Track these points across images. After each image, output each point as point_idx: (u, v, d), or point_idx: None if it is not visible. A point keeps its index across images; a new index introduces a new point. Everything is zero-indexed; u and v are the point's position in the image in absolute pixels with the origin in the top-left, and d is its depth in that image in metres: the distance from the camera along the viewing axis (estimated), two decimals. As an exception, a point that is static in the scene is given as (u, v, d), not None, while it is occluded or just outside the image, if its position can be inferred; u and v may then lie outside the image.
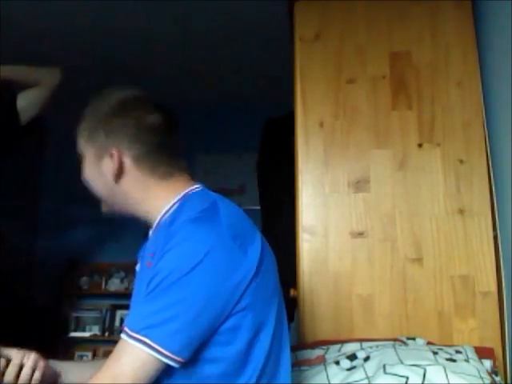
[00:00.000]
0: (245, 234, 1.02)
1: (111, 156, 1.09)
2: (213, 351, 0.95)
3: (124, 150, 1.09)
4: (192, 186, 1.12)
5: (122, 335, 0.92)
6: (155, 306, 0.92)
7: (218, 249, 0.95)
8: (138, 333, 0.90)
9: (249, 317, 0.98)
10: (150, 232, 1.14)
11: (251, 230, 1.05)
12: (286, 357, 1.09)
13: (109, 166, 1.10)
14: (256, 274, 0.99)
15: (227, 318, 0.96)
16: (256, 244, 1.02)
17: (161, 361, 0.90)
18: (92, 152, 1.13)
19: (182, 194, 1.10)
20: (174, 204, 1.08)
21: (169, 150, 1.13)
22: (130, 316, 0.96)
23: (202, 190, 1.12)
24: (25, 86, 2.03)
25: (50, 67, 2.09)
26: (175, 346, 0.90)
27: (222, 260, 0.95)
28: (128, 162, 1.10)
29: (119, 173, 1.09)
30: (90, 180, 1.15)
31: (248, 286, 0.97)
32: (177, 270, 0.93)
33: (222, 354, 0.96)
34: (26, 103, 2.03)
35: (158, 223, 1.09)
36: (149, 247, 1.09)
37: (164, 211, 1.09)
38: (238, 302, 0.97)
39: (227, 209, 1.05)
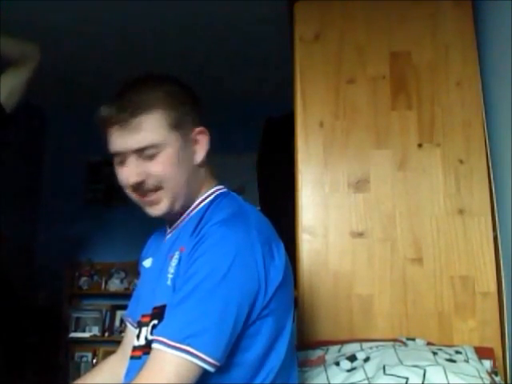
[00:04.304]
0: (271, 240, 1.02)
1: (200, 135, 1.08)
2: (233, 356, 0.95)
3: (199, 126, 1.08)
4: (216, 185, 1.13)
5: (160, 346, 0.89)
6: (194, 313, 0.91)
7: (248, 254, 0.96)
8: (180, 342, 0.88)
9: (270, 322, 0.99)
10: (169, 229, 1.13)
11: (275, 237, 1.05)
12: (295, 358, 1.11)
13: (193, 148, 1.07)
14: (282, 281, 1.00)
15: (252, 322, 0.97)
16: (280, 250, 1.03)
17: (202, 367, 0.89)
18: (179, 139, 1.04)
19: (209, 192, 1.10)
20: (204, 199, 1.08)
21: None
22: (166, 325, 0.93)
23: (227, 191, 1.12)
24: (3, 61, 1.88)
25: (29, 42, 1.96)
26: (218, 353, 0.90)
27: (252, 265, 0.95)
28: (202, 137, 1.09)
29: (206, 153, 1.08)
30: (169, 174, 1.03)
31: (274, 292, 0.98)
32: (212, 275, 0.92)
33: (241, 359, 0.97)
34: (7, 91, 1.90)
35: (184, 219, 1.09)
36: (174, 242, 1.08)
37: (195, 204, 1.08)
38: (265, 307, 0.97)
39: (255, 215, 1.05)
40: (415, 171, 1.62)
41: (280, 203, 2.16)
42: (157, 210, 1.06)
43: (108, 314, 4.12)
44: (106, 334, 4.06)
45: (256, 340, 0.97)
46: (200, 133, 1.08)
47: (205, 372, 0.90)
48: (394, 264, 1.57)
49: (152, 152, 1.02)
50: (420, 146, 1.64)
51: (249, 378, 0.98)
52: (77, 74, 3.66)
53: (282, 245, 1.05)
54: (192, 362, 0.88)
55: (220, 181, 1.15)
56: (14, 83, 1.92)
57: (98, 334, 4.07)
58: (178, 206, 1.07)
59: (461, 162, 1.61)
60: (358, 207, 1.62)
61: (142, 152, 1.02)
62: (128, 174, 1.03)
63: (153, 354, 0.91)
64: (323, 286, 1.58)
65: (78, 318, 4.13)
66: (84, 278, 4.19)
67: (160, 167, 1.02)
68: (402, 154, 1.64)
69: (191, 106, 1.08)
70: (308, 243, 1.61)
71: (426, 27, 1.72)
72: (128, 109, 1.01)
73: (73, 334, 4.06)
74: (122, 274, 4.16)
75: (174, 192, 1.05)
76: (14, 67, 1.93)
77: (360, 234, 1.60)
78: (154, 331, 0.96)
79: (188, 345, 0.88)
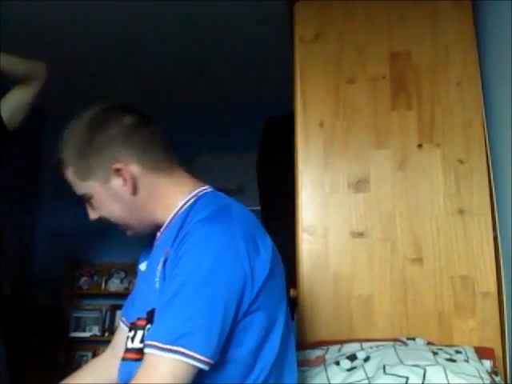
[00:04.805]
0: (256, 234, 1.03)
1: (118, 172, 1.07)
2: (226, 353, 0.95)
3: (124, 159, 1.08)
4: (201, 186, 1.13)
5: (152, 350, 0.89)
6: (182, 313, 0.91)
7: (231, 249, 0.96)
8: (172, 344, 0.88)
9: (261, 316, 0.99)
10: (158, 233, 1.13)
11: (261, 231, 1.06)
12: (292, 357, 1.10)
13: (120, 182, 1.08)
14: (269, 275, 1.00)
15: (242, 317, 0.97)
16: (267, 244, 1.03)
17: (197, 366, 0.89)
18: (97, 184, 1.09)
19: (192, 194, 1.10)
20: (185, 203, 1.08)
21: (159, 145, 1.12)
22: (156, 328, 0.94)
23: (212, 191, 1.12)
24: (8, 79, 1.85)
25: (35, 61, 1.92)
26: (211, 351, 0.90)
27: (236, 260, 0.95)
28: (133, 168, 1.08)
29: (133, 182, 1.08)
30: (108, 213, 1.12)
31: (262, 285, 0.98)
32: (196, 274, 0.93)
33: (234, 355, 0.97)
34: (11, 110, 1.88)
35: (169, 222, 1.09)
36: (161, 246, 1.08)
37: (175, 210, 1.09)
38: (254, 301, 0.97)
39: (238, 211, 1.05)
40: (415, 171, 1.63)
41: (280, 203, 2.16)
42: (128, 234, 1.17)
43: (108, 313, 4.13)
44: (106, 334, 4.06)
45: (248, 335, 0.97)
46: (118, 169, 1.08)
47: (199, 370, 0.90)
48: (394, 264, 1.57)
49: (87, 198, 1.12)
50: (420, 146, 1.64)
51: (244, 373, 0.98)
52: (77, 74, 3.67)
53: (268, 239, 1.05)
54: (186, 363, 0.88)
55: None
56: (19, 102, 1.90)
57: (98, 333, 4.08)
58: (142, 230, 1.14)
59: (461, 162, 1.61)
60: (358, 207, 1.62)
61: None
62: (88, 212, 1.15)
63: (146, 358, 0.91)
64: (323, 285, 1.58)
65: (78, 318, 4.14)
66: (84, 278, 4.19)
67: (99, 210, 1.13)
68: (401, 154, 1.64)
69: (107, 147, 1.08)
70: (308, 243, 1.61)
71: (425, 27, 1.72)
72: (56, 168, 1.12)
73: (73, 334, 4.07)
74: (122, 274, 4.16)
75: (126, 224, 1.13)
76: (19, 86, 1.90)
77: (360, 234, 1.60)
78: (146, 335, 0.97)
79: (180, 345, 0.88)
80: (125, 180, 1.08)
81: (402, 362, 1.21)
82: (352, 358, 1.32)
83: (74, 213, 4.15)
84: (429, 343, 1.41)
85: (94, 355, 4.01)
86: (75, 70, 3.62)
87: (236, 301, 0.95)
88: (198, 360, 0.89)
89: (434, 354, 1.26)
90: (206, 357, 0.89)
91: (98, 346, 4.05)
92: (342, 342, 1.44)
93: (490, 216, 1.56)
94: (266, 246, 1.03)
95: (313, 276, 1.59)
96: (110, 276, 4.18)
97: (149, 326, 1.00)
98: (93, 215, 1.14)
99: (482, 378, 1.18)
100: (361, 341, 1.42)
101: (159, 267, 1.03)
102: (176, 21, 3.03)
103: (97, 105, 1.13)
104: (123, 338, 1.13)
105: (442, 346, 1.36)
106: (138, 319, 1.06)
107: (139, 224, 1.13)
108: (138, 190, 1.09)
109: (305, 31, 1.76)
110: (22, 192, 4.11)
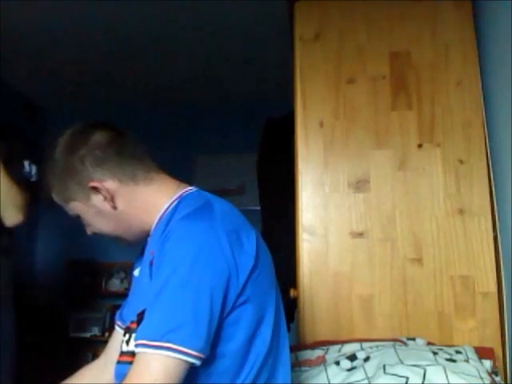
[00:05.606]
0: (239, 228, 1.03)
1: (96, 189, 1.09)
2: (217, 347, 0.95)
3: (99, 177, 1.10)
4: (185, 188, 1.13)
5: (142, 348, 0.89)
6: (168, 310, 0.91)
7: (213, 242, 0.96)
8: (160, 340, 0.88)
9: (249, 309, 0.99)
10: (149, 239, 1.14)
11: (245, 226, 1.06)
12: (286, 355, 1.09)
13: (101, 198, 1.10)
14: (254, 267, 1.00)
15: (230, 311, 0.97)
16: (251, 238, 1.04)
17: (188, 362, 0.89)
18: (81, 204, 1.13)
19: (176, 196, 1.11)
20: (170, 206, 1.09)
21: (132, 156, 1.13)
22: (143, 327, 0.94)
23: (196, 190, 1.13)
24: None
25: (16, 211, 2.03)
26: (200, 345, 0.90)
27: (218, 253, 0.96)
28: (109, 183, 1.10)
29: (112, 197, 1.10)
30: (98, 229, 1.16)
31: (248, 278, 0.98)
32: (179, 269, 0.93)
33: (226, 349, 0.97)
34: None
35: (156, 226, 1.10)
36: (149, 250, 1.09)
37: (160, 214, 1.10)
38: (241, 294, 0.97)
39: (221, 206, 1.06)
40: (415, 171, 1.63)
41: (280, 203, 2.16)
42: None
43: (108, 314, 4.12)
44: (106, 334, 4.05)
45: (237, 328, 0.98)
46: (95, 187, 1.10)
47: (192, 368, 0.90)
48: (394, 264, 1.57)
49: (76, 217, 1.17)
50: (420, 146, 1.64)
51: (237, 368, 0.98)
52: (77, 74, 3.67)
53: (253, 233, 1.06)
54: (176, 358, 0.88)
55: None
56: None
57: (98, 333, 4.07)
58: (133, 239, 1.17)
59: (461, 162, 1.61)
60: (358, 207, 1.62)
61: None
62: (85, 228, 1.20)
63: (137, 357, 0.91)
64: (323, 285, 1.58)
65: (78, 318, 4.13)
66: (84, 278, 4.19)
67: (90, 227, 1.17)
68: (402, 154, 1.64)
69: (80, 169, 1.10)
70: (308, 243, 1.61)
71: (425, 27, 1.72)
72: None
73: (73, 334, 4.06)
74: (122, 274, 4.16)
75: (116, 236, 1.16)
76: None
77: (360, 234, 1.60)
78: (135, 336, 0.97)
79: (168, 341, 0.88)
80: (104, 196, 1.10)
81: (402, 362, 1.22)
82: (352, 357, 1.32)
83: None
84: (429, 343, 1.41)
85: (94, 355, 4.00)
86: (75, 70, 3.62)
87: (222, 293, 0.95)
88: (188, 354, 0.88)
89: (434, 354, 1.27)
90: (195, 351, 0.89)
91: (98, 346, 4.04)
92: (342, 342, 1.44)
93: (490, 216, 1.56)
94: (250, 240, 1.03)
95: (313, 276, 1.59)
96: (110, 276, 4.17)
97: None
98: (88, 231, 1.19)
99: (482, 378, 1.18)
100: (361, 341, 1.42)
101: (147, 270, 1.04)
102: (176, 21, 3.03)
103: (73, 126, 1.15)
104: (117, 343, 1.13)
105: (442, 346, 1.37)
106: (132, 322, 1.06)
107: (129, 234, 1.16)
108: (118, 204, 1.11)
109: (305, 31, 1.76)
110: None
